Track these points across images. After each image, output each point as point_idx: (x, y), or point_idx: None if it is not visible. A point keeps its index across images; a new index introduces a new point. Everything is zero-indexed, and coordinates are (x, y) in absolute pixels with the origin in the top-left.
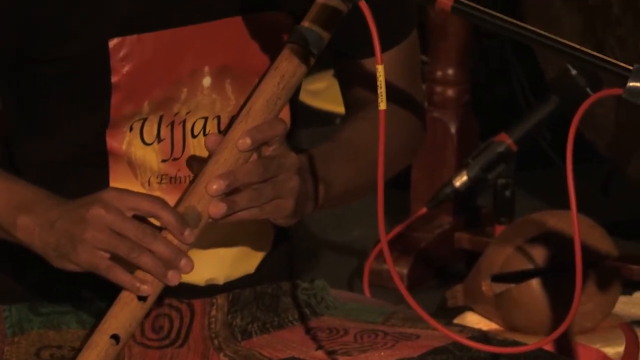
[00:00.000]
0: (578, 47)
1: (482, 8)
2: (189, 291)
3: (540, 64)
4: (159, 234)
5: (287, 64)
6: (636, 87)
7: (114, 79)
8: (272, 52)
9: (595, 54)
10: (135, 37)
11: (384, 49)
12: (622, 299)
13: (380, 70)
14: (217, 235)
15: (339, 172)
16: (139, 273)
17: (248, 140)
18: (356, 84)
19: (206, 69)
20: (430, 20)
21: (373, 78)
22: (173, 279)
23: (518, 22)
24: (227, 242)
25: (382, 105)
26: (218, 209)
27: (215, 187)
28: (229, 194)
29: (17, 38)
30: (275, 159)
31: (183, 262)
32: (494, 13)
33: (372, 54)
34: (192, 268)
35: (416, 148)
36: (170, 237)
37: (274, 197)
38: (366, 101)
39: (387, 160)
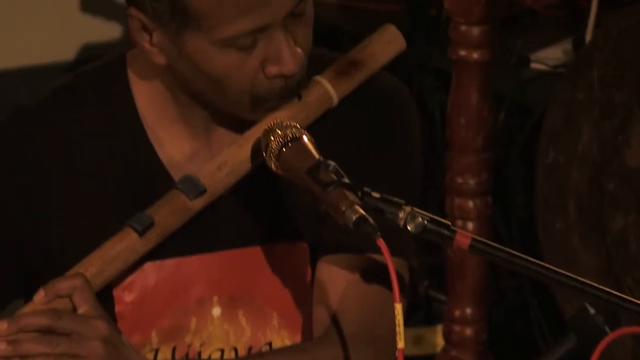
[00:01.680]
0: (596, 285)
1: (500, 246)
2: None
3: (558, 302)
4: None
5: (113, 240)
6: None
7: (117, 308)
8: (286, 282)
9: (614, 292)
10: (138, 266)
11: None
12: None
13: (398, 309)
14: None
15: None
16: None
17: (41, 292)
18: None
19: (215, 298)
20: (448, 258)
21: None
22: None
23: (536, 261)
24: None
25: (400, 344)
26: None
27: None
28: None
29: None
30: (78, 315)
31: None
32: (512, 251)
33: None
34: None
35: None
36: None
37: (69, 351)
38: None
39: None
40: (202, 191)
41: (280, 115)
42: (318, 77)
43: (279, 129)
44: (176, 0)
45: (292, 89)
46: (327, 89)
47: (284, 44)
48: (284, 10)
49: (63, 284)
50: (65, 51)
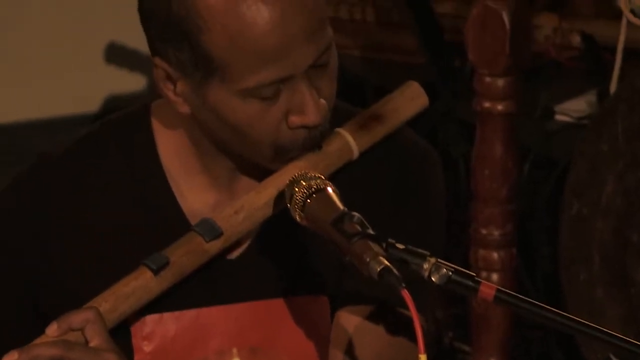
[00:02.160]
0: (621, 336)
1: (524, 298)
2: None
3: (583, 352)
4: None
5: (127, 277)
6: None
7: (137, 358)
8: (306, 335)
9: (638, 343)
10: (157, 317)
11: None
12: None
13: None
14: None
15: None
16: None
17: (54, 325)
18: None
19: (234, 350)
20: (473, 309)
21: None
22: None
23: (560, 312)
24: None
25: None
26: None
27: (8, 357)
28: None
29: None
30: (90, 347)
31: None
32: (536, 303)
33: (353, 301)
34: None
35: None
36: None
37: None
38: None
39: None
40: (218, 234)
41: (300, 164)
42: (339, 129)
43: (303, 180)
44: (199, 50)
45: (315, 140)
46: (348, 141)
47: (307, 95)
48: (307, 62)
49: (76, 317)
50: (90, 102)
